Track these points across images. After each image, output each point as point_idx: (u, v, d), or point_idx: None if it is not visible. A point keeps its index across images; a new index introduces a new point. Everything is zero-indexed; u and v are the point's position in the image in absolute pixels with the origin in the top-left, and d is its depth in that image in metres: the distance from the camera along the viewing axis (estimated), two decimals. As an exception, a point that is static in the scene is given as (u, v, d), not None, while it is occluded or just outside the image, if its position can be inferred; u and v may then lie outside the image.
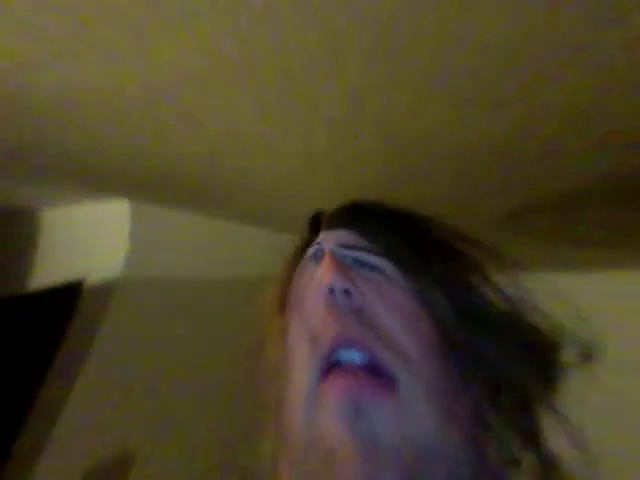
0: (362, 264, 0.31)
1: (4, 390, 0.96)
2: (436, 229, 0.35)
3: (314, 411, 0.24)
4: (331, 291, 0.28)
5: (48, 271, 1.18)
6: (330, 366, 0.25)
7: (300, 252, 0.38)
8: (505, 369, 0.26)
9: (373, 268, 0.31)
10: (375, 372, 0.24)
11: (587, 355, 0.28)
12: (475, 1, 0.36)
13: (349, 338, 0.25)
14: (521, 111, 0.53)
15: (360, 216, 0.36)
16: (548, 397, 0.26)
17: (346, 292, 0.27)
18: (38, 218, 1.26)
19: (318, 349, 0.26)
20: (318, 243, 0.35)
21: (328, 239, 0.35)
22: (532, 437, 0.25)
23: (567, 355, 0.27)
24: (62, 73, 0.50)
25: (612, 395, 1.16)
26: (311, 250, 0.36)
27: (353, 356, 0.24)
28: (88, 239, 1.17)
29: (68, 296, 1.07)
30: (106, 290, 1.06)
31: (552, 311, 0.29)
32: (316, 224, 0.40)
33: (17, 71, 0.50)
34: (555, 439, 0.24)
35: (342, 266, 0.30)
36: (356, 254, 0.32)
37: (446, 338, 0.26)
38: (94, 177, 0.92)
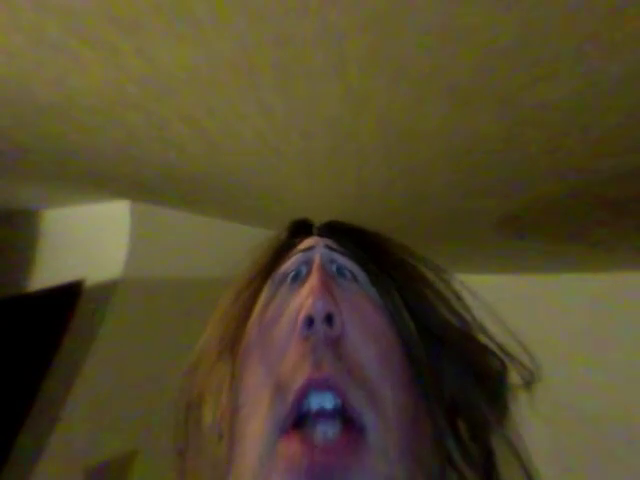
0: (343, 272, 0.31)
1: (4, 390, 0.96)
2: (392, 246, 0.35)
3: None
4: (309, 322, 0.25)
5: (48, 271, 1.18)
6: (295, 421, 0.22)
7: (267, 269, 0.33)
8: (462, 391, 0.26)
9: (351, 276, 0.30)
10: (343, 419, 0.21)
11: (530, 379, 0.27)
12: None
13: (323, 382, 0.22)
14: (522, 110, 0.53)
15: (334, 228, 0.37)
16: (501, 422, 0.26)
17: (328, 319, 0.24)
18: (38, 218, 1.26)
19: (282, 399, 0.22)
20: (308, 249, 0.33)
21: (319, 244, 0.33)
22: (489, 472, 0.24)
23: (512, 378, 0.27)
24: (62, 73, 0.50)
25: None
26: (293, 263, 0.32)
27: (325, 402, 0.22)
28: (88, 239, 1.17)
29: (68, 296, 1.08)
30: (106, 290, 1.06)
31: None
32: (299, 228, 0.38)
33: (17, 71, 0.50)
34: (509, 470, 0.24)
35: (329, 281, 0.28)
36: (340, 259, 0.31)
37: (412, 362, 0.26)
38: (94, 177, 0.92)
